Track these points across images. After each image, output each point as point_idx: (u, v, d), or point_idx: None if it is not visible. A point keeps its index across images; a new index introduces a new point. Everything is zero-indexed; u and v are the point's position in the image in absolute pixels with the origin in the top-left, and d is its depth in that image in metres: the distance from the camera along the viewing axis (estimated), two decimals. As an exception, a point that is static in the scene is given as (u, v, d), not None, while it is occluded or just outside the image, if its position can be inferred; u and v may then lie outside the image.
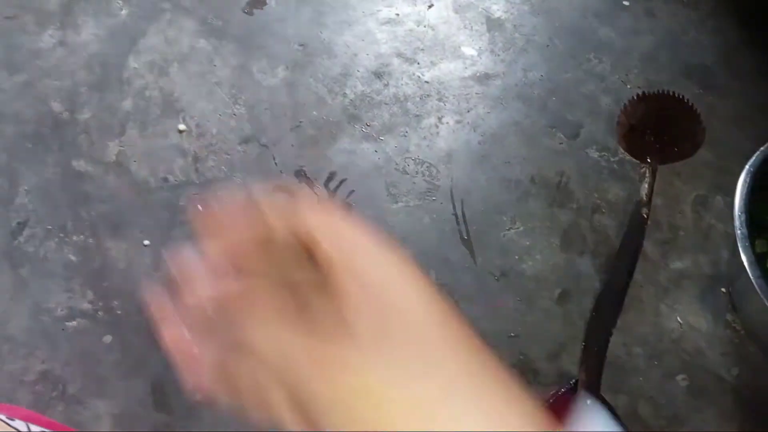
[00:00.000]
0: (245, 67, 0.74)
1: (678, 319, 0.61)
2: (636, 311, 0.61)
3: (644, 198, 0.58)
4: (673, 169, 0.71)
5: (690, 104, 0.67)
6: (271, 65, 0.74)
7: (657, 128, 0.64)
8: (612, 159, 0.71)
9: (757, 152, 0.58)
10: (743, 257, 0.52)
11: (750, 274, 0.51)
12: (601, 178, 0.69)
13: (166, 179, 0.66)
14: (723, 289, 0.63)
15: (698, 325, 0.61)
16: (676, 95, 0.67)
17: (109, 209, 0.64)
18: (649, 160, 0.62)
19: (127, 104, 0.70)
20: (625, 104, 0.67)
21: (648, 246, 0.65)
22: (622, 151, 0.71)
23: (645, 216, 0.57)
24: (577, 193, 0.68)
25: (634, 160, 0.69)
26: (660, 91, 0.67)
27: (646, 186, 0.60)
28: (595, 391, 0.51)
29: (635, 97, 0.67)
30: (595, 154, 0.70)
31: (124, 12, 0.76)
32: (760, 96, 0.75)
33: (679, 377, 0.58)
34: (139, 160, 0.67)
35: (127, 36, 0.75)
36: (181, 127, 0.69)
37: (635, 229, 0.55)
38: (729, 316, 0.62)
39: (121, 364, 0.56)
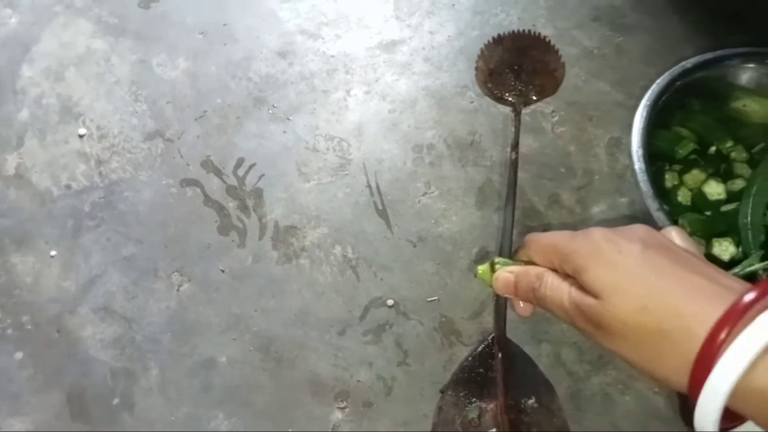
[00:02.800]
0: (144, 62, 0.72)
1: (598, 262, 0.61)
2: (555, 260, 0.61)
3: (513, 141, 0.57)
4: (585, 114, 0.70)
5: (546, 40, 0.67)
6: (171, 57, 0.73)
7: (516, 70, 0.63)
8: (523, 111, 0.70)
9: (653, 85, 0.57)
10: (643, 191, 0.52)
11: (649, 208, 0.51)
12: (512, 131, 0.68)
13: (69, 186, 0.64)
14: (641, 228, 0.62)
15: (618, 267, 0.61)
16: (532, 33, 0.67)
17: (12, 223, 0.62)
18: (512, 102, 0.61)
19: (24, 115, 0.68)
20: (481, 49, 0.66)
21: (563, 194, 0.65)
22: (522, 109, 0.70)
23: (515, 159, 0.56)
24: (490, 150, 0.67)
25: (544, 109, 0.69)
26: (515, 31, 0.66)
27: (513, 129, 0.59)
28: (503, 341, 0.51)
29: (491, 41, 0.66)
30: (506, 109, 0.69)
31: (14, 20, 0.74)
32: (671, 31, 0.75)
33: (602, 320, 0.58)
34: (40, 170, 0.65)
35: (19, 44, 0.72)
36: (82, 131, 0.67)
37: (511, 173, 0.55)
38: (648, 254, 0.61)
39: (33, 379, 0.55)
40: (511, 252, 0.53)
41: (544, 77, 0.63)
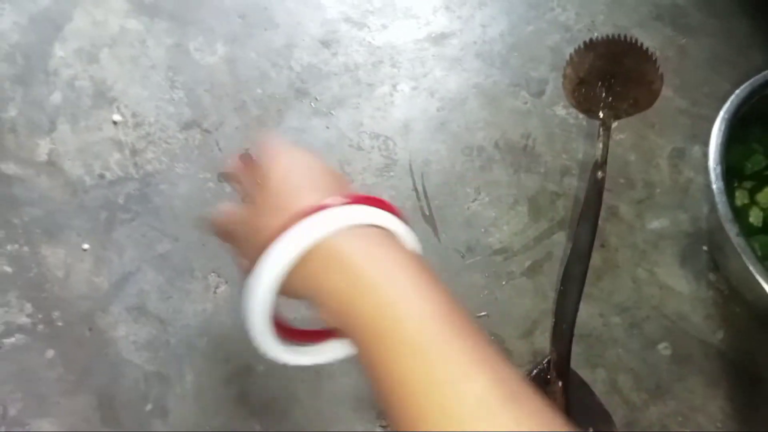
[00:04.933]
0: (181, 46, 0.69)
1: (658, 283, 0.57)
2: (612, 278, 0.57)
3: (599, 159, 0.53)
4: (647, 121, 0.66)
5: (644, 48, 0.61)
6: (209, 42, 0.69)
7: (609, 79, 0.58)
8: (581, 116, 0.66)
9: (732, 96, 0.53)
10: (720, 213, 0.48)
11: (728, 232, 0.47)
12: (569, 137, 0.64)
13: (102, 176, 0.62)
14: (705, 248, 0.59)
15: (679, 288, 0.57)
16: (628, 39, 0.61)
17: (43, 213, 0.59)
18: (601, 116, 0.57)
19: (56, 97, 0.65)
20: (571, 54, 0.61)
21: (622, 206, 0.61)
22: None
23: (601, 178, 0.52)
24: (545, 155, 0.63)
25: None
26: (609, 36, 0.61)
27: (600, 145, 0.55)
28: (565, 367, 0.48)
29: (582, 46, 0.61)
30: (562, 112, 0.66)
31: (45, -4, 0.70)
32: (738, 35, 0.70)
33: (661, 345, 0.55)
34: (73, 158, 0.62)
35: (51, 22, 0.69)
36: (116, 117, 0.64)
37: (592, 193, 0.51)
38: (712, 276, 0.58)
39: (64, 379, 0.53)
40: (584, 277, 0.49)
41: (639, 89, 0.58)
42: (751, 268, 0.46)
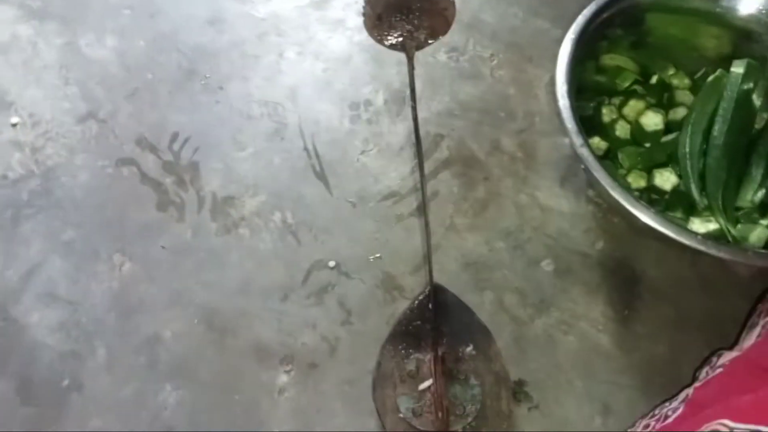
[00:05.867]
0: (72, 44, 0.71)
1: (539, 205, 0.60)
2: (495, 207, 0.60)
3: (410, 88, 0.56)
4: (524, 56, 0.68)
5: None
6: (99, 37, 0.71)
7: (405, 13, 0.60)
8: (461, 58, 0.68)
9: (578, 17, 0.55)
10: (568, 128, 0.51)
11: (574, 146, 0.50)
12: (452, 80, 0.67)
13: (5, 176, 0.64)
14: (583, 167, 0.61)
15: (560, 207, 0.60)
16: None
17: (-49, 219, 0.62)
18: (404, 46, 0.59)
19: (-46, 108, 0.67)
20: None
21: (504, 139, 0.63)
22: (471, 47, 0.69)
23: (412, 107, 0.54)
24: (428, 100, 0.65)
25: (482, 54, 0.67)
26: None
27: (408, 76, 0.57)
28: (431, 290, 0.50)
29: None
30: (443, 57, 0.68)
31: (-64, 13, 0.72)
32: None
33: (544, 263, 0.57)
34: (-24, 163, 0.65)
35: (-56, 37, 0.71)
36: (14, 120, 0.66)
37: (414, 120, 0.53)
38: (591, 192, 0.61)
39: (-18, 369, 0.56)
40: (425, 204, 0.52)
41: (433, 18, 0.60)
42: (595, 174, 0.48)
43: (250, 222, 0.61)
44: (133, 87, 0.68)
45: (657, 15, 0.58)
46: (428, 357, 0.50)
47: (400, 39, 0.60)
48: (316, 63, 0.69)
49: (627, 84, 0.62)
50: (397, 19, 0.60)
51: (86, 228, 0.61)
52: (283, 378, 0.54)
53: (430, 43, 0.60)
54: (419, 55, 0.68)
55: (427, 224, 0.54)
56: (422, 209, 0.60)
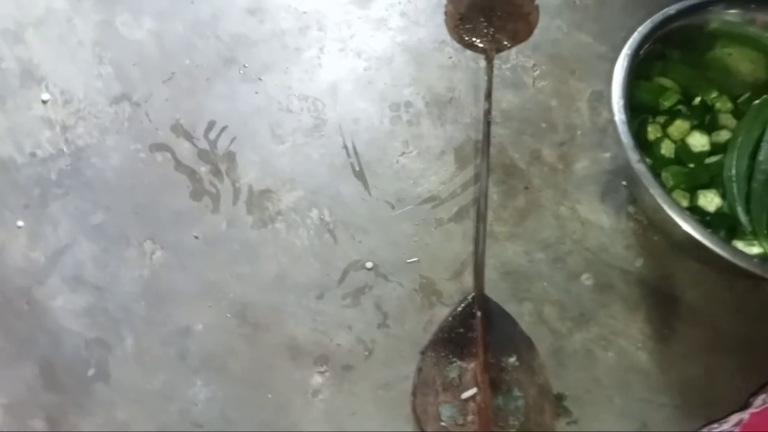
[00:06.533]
0: (108, 23, 0.69)
1: (579, 219, 0.60)
2: (536, 217, 0.60)
3: (486, 90, 0.55)
4: (567, 68, 0.68)
5: None
6: (136, 17, 0.69)
7: (488, 14, 0.60)
8: (504, 66, 0.68)
9: (634, 33, 0.55)
10: (623, 142, 0.50)
11: (631, 160, 0.50)
12: (494, 88, 0.66)
13: (33, 154, 0.62)
14: (623, 183, 0.61)
15: (600, 222, 0.60)
16: None
17: (-25, 194, 0.60)
18: (484, 49, 0.59)
19: (-18, 80, 0.65)
20: None
21: (545, 150, 0.63)
22: (514, 56, 0.68)
23: (487, 109, 0.54)
24: (470, 106, 0.65)
25: (525, 63, 0.67)
26: None
27: (486, 78, 0.57)
28: (481, 299, 0.50)
29: None
30: (485, 64, 0.67)
31: (-33, -19, 0.70)
32: (653, -20, 0.72)
33: (584, 276, 0.57)
34: (3, 137, 0.63)
35: (-26, 6, 0.69)
36: (45, 96, 0.65)
37: (484, 127, 0.53)
38: (631, 209, 0.61)
39: (4, 351, 0.54)
40: (485, 211, 0.51)
41: (516, 21, 0.60)
42: (652, 191, 0.48)
43: (287, 217, 0.59)
44: (169, 71, 0.66)
45: (709, 38, 0.59)
46: (471, 365, 0.49)
47: (481, 40, 0.59)
48: (358, 61, 0.68)
49: (671, 104, 0.62)
50: (480, 20, 0.59)
51: (117, 212, 0.59)
52: (318, 379, 0.53)
53: (510, 47, 0.60)
54: (461, 59, 0.67)
55: (482, 230, 0.53)
56: (461, 215, 0.59)
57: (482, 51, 0.59)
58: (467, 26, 0.59)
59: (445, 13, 0.62)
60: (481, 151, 0.51)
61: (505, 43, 0.59)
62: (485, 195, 0.49)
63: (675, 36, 0.57)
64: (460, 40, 0.60)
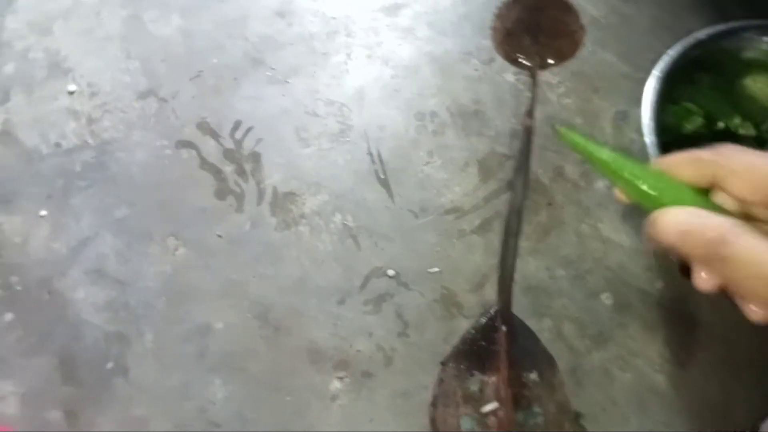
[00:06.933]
0: (136, 18, 0.69)
1: (601, 237, 0.60)
2: (558, 233, 0.60)
3: (528, 107, 0.56)
4: (591, 86, 0.69)
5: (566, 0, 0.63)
6: (164, 13, 0.69)
7: (534, 30, 0.60)
8: (528, 81, 0.68)
9: (664, 56, 0.56)
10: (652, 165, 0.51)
11: (659, 183, 0.50)
12: (518, 101, 0.67)
13: (58, 144, 0.62)
14: (645, 203, 0.62)
15: (621, 242, 0.60)
16: None
17: (-2, 182, 0.60)
18: (528, 65, 0.59)
19: (9, 68, 0.65)
20: (498, 7, 0.63)
21: (567, 167, 0.64)
22: (539, 72, 0.69)
23: (528, 126, 0.54)
24: (494, 119, 0.65)
25: (549, 80, 0.67)
26: None
27: (529, 94, 0.57)
28: (508, 314, 0.50)
29: None
30: (511, 78, 0.68)
31: (-4, -32, 0.70)
32: (678, 1, 0.73)
33: (604, 295, 0.57)
34: (28, 127, 0.63)
35: (3, -6, 0.69)
36: (71, 87, 0.65)
37: (523, 142, 0.53)
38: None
39: (23, 341, 0.54)
40: (519, 227, 0.52)
41: (562, 39, 0.60)
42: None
43: (311, 220, 0.60)
44: (197, 69, 0.66)
45: (741, 65, 0.59)
46: (492, 379, 0.50)
47: (526, 57, 0.59)
48: (385, 68, 0.68)
49: (694, 127, 0.62)
50: (526, 37, 0.59)
51: (140, 207, 0.59)
52: (337, 384, 0.53)
53: (555, 65, 0.60)
54: (487, 72, 0.68)
55: (513, 246, 0.53)
56: (484, 227, 0.60)
57: (527, 68, 0.59)
58: (513, 42, 0.59)
59: (492, 29, 0.62)
60: (518, 168, 0.51)
61: (550, 60, 0.59)
62: (519, 211, 0.49)
63: (706, 60, 0.58)
64: (506, 56, 0.60)
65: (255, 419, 0.52)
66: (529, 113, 0.55)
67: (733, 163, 0.30)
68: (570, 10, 0.62)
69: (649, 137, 0.52)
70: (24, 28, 0.67)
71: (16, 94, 0.64)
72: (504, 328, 0.50)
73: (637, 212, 0.62)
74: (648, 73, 0.68)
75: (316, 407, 0.52)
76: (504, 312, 0.50)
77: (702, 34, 0.57)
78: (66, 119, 0.63)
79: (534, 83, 0.57)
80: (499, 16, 0.62)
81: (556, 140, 0.63)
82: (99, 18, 0.69)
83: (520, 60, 0.60)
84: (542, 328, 0.55)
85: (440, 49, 0.69)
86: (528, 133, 0.53)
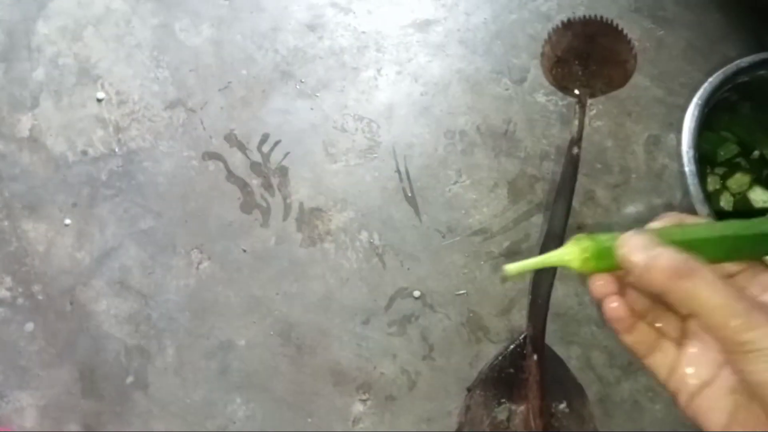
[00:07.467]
0: (166, 27, 0.69)
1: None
2: (588, 259, 0.59)
3: (575, 135, 0.54)
4: (624, 110, 0.68)
5: (618, 28, 0.62)
6: (195, 23, 0.69)
7: (584, 58, 0.59)
8: (560, 103, 0.67)
9: (705, 84, 0.55)
10: (692, 195, 0.50)
11: (699, 213, 0.49)
12: (549, 123, 0.66)
13: (85, 152, 0.62)
14: (677, 231, 0.61)
15: (652, 270, 0.59)
16: (604, 19, 0.62)
17: (25, 188, 0.59)
18: (578, 93, 0.58)
19: (39, 74, 0.65)
20: (549, 33, 0.62)
21: (599, 191, 0.62)
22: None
23: (576, 154, 0.53)
24: (525, 140, 0.64)
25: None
26: (586, 17, 0.62)
27: (576, 122, 0.56)
28: (540, 342, 0.49)
29: (560, 25, 0.62)
30: (542, 99, 0.67)
31: (30, -26, 0.70)
32: (712, 27, 0.72)
33: (633, 324, 0.56)
34: (56, 134, 0.62)
35: (34, 0, 0.69)
36: (100, 95, 0.64)
37: (568, 169, 0.52)
38: (683, 258, 0.60)
39: (45, 352, 0.53)
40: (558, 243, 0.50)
41: (613, 68, 0.58)
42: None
43: (337, 237, 0.59)
44: (226, 80, 0.66)
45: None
46: (521, 408, 0.48)
47: (575, 85, 0.58)
48: (415, 85, 0.67)
49: (729, 155, 0.61)
50: (576, 64, 0.58)
51: (166, 218, 0.59)
52: (359, 407, 0.52)
53: (604, 93, 0.59)
54: (518, 92, 0.67)
55: (552, 274, 0.52)
56: (512, 250, 0.59)
57: (575, 96, 0.57)
58: (562, 69, 0.58)
59: (542, 54, 0.61)
60: (559, 193, 0.50)
61: (600, 88, 0.57)
62: (560, 237, 0.48)
63: (748, 87, 0.56)
64: (555, 83, 0.59)
65: (276, 440, 0.51)
66: (577, 142, 0.53)
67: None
68: (622, 39, 0.61)
69: (688, 166, 0.50)
70: (55, 33, 0.67)
71: (45, 100, 0.64)
72: (535, 356, 0.49)
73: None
74: (681, 97, 0.67)
75: (338, 430, 0.51)
76: (536, 339, 0.49)
77: (744, 62, 0.56)
78: (93, 127, 0.63)
79: (582, 112, 0.56)
80: (549, 41, 0.61)
81: (586, 169, 0.62)
82: (130, 26, 0.68)
83: (569, 87, 0.58)
84: (570, 356, 0.54)
85: (471, 67, 0.68)
86: (575, 162, 0.52)
